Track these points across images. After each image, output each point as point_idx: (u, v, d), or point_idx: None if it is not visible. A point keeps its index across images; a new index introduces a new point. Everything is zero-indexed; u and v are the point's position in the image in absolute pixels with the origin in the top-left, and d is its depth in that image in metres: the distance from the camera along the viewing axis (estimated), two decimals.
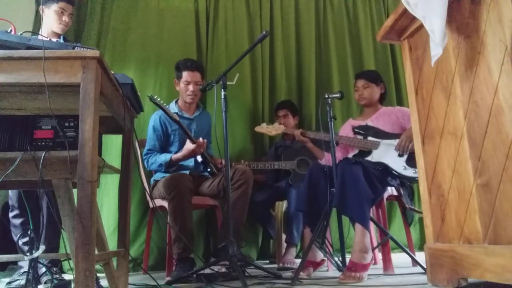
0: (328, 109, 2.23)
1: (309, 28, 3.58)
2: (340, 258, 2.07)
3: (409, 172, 2.25)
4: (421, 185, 1.61)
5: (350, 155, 2.52)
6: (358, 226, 1.99)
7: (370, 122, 2.53)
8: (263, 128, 2.83)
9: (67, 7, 2.23)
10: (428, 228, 1.57)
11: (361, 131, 2.47)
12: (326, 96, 2.24)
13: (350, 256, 1.99)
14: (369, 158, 2.35)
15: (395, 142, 2.34)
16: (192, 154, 2.43)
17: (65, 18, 2.24)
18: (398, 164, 2.29)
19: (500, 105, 1.20)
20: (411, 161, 2.24)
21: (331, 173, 2.14)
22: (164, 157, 2.48)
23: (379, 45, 3.64)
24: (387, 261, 2.12)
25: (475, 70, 1.29)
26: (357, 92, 2.63)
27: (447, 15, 1.29)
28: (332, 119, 2.22)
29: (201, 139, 2.42)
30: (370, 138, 2.41)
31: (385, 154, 2.34)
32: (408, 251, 1.99)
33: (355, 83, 2.67)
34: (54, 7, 2.21)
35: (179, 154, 2.45)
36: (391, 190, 2.46)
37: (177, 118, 2.33)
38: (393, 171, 2.28)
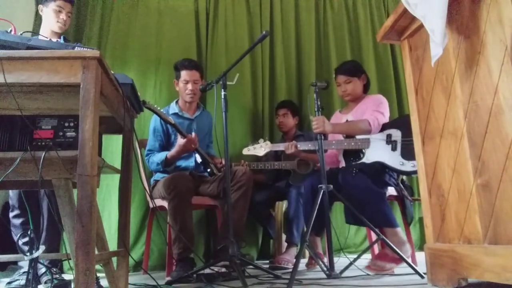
0: (315, 98, 2.17)
1: (309, 28, 3.58)
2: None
3: (408, 167, 2.21)
4: (421, 185, 1.61)
5: (341, 157, 2.50)
6: (386, 229, 2.02)
7: (350, 116, 2.49)
8: (250, 150, 2.71)
9: (65, 5, 2.23)
10: (428, 228, 1.57)
11: None
12: (314, 83, 2.19)
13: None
14: (364, 160, 2.32)
15: (383, 136, 2.31)
16: (184, 149, 2.41)
17: (62, 16, 2.23)
18: (394, 160, 2.24)
19: (500, 105, 1.20)
20: (406, 154, 2.21)
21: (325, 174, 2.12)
22: (161, 156, 2.48)
23: (379, 45, 3.63)
24: None
25: (475, 70, 1.29)
26: (339, 88, 2.55)
27: (447, 15, 1.29)
28: (320, 109, 2.17)
29: (193, 134, 2.41)
30: (358, 137, 2.36)
31: (378, 151, 2.29)
32: (400, 253, 1.98)
33: (336, 78, 2.58)
34: (52, 5, 2.20)
35: (173, 151, 2.45)
36: (390, 190, 2.45)
37: (172, 121, 2.33)
38: (392, 169, 2.26)
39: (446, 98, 1.45)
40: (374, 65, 3.55)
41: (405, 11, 1.49)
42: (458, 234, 1.40)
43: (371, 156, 2.31)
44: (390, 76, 3.56)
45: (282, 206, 2.76)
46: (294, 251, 2.54)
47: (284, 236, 2.72)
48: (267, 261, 2.95)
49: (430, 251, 1.53)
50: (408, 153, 2.21)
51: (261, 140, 2.71)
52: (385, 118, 2.41)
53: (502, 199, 1.20)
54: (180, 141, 2.38)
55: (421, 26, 1.50)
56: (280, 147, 2.65)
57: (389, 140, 2.30)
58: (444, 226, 1.48)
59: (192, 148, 2.42)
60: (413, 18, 1.53)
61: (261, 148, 2.66)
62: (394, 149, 2.25)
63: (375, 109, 2.40)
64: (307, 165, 2.87)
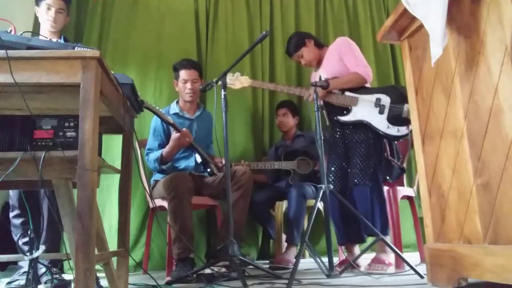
0: (315, 98, 2.17)
1: (309, 28, 3.57)
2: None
3: (392, 131, 2.26)
4: (421, 185, 1.61)
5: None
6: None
7: (323, 71, 2.48)
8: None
9: (54, 2, 2.17)
10: (428, 228, 1.57)
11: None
12: (314, 83, 2.20)
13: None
14: (350, 116, 2.33)
15: (372, 97, 2.33)
16: (178, 143, 2.40)
17: (51, 13, 2.17)
18: (381, 123, 2.28)
19: (500, 105, 1.20)
20: (393, 120, 2.27)
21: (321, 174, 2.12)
22: (157, 153, 2.49)
23: (379, 45, 3.64)
24: None
25: (475, 70, 1.29)
26: (300, 63, 2.65)
27: (447, 15, 1.29)
28: (320, 109, 2.17)
29: (185, 129, 2.41)
30: (347, 94, 2.37)
31: (365, 111, 2.32)
32: (399, 252, 1.99)
33: (293, 59, 2.70)
34: (43, 4, 2.17)
35: (167, 147, 2.44)
36: (402, 190, 2.46)
37: (171, 121, 2.33)
38: (377, 130, 2.28)
39: (446, 98, 1.45)
40: (374, 65, 3.55)
41: (405, 11, 1.49)
42: (458, 234, 1.40)
43: (357, 113, 2.33)
44: (390, 76, 3.57)
45: (282, 206, 2.76)
46: (294, 251, 2.54)
47: (284, 236, 2.72)
48: (267, 261, 2.95)
49: (430, 251, 1.53)
50: (394, 118, 2.27)
51: (237, 74, 2.56)
52: (368, 65, 2.44)
53: (502, 199, 1.20)
54: (174, 135, 2.38)
55: (421, 26, 1.50)
56: (273, 87, 2.61)
57: (377, 104, 2.32)
58: (444, 226, 1.48)
59: (187, 142, 2.40)
60: (413, 18, 1.53)
61: (236, 81, 2.56)
62: (381, 112, 2.29)
63: (354, 61, 2.42)
64: (307, 165, 2.87)
